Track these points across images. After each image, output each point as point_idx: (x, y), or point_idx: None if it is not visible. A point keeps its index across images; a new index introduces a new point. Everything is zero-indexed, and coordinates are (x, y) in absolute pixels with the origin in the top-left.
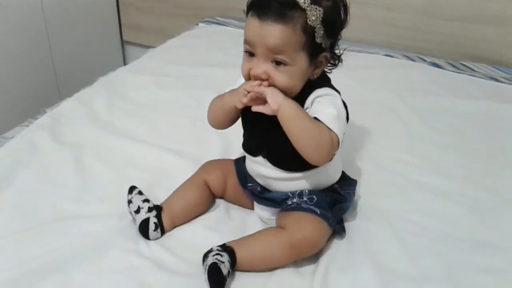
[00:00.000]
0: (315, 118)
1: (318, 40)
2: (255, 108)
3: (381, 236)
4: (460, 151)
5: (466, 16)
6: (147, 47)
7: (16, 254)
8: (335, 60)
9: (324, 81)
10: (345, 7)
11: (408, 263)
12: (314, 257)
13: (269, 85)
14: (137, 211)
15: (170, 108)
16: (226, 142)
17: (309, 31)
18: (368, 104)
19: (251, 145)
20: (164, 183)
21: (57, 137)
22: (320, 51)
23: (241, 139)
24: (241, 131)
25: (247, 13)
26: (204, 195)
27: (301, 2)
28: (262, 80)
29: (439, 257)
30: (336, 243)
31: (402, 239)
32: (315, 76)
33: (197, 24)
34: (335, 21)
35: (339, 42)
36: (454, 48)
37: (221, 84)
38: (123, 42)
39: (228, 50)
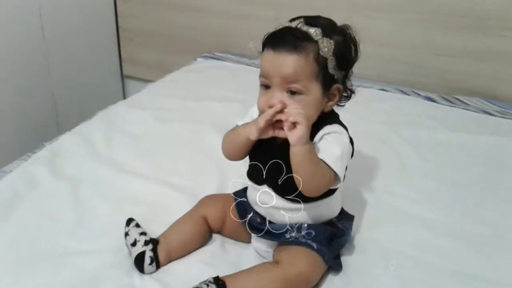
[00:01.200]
0: (321, 157)
1: (330, 71)
2: (273, 134)
3: (376, 270)
4: (455, 184)
5: (459, 52)
6: (147, 81)
7: None
8: (348, 93)
9: (333, 117)
10: (355, 43)
11: None
12: None
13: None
14: (134, 244)
15: (169, 141)
16: (223, 175)
17: (321, 62)
18: (363, 137)
19: (256, 174)
20: (161, 218)
21: (55, 171)
22: (333, 83)
23: (239, 173)
24: (240, 165)
25: (263, 49)
26: (201, 230)
27: (313, 34)
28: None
29: None
30: (331, 278)
31: (397, 273)
32: (329, 108)
33: (196, 59)
34: (346, 54)
35: (351, 77)
36: (448, 82)
37: (219, 118)
38: (123, 77)
39: (226, 84)
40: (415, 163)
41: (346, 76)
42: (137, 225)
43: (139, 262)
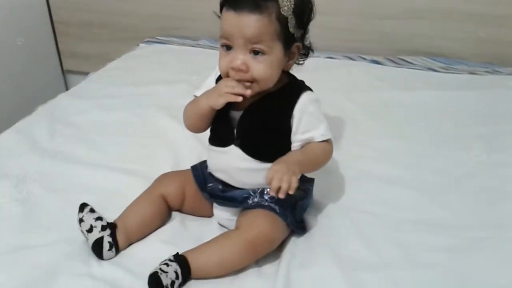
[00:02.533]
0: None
1: (291, 30)
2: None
3: (338, 229)
4: (406, 140)
5: (398, 13)
6: (89, 74)
7: None
8: (306, 50)
9: (299, 82)
10: (310, 1)
11: (367, 252)
12: (274, 256)
13: (249, 79)
14: (90, 230)
15: (115, 129)
16: (175, 155)
17: (282, 21)
18: None
19: (222, 136)
20: (115, 203)
21: None
22: (293, 41)
23: (191, 152)
24: (190, 143)
25: (221, 9)
26: (160, 209)
27: None
28: (242, 71)
29: (396, 242)
30: (295, 240)
31: (359, 230)
32: (289, 67)
33: (138, 45)
34: (304, 13)
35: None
36: (391, 45)
37: (166, 101)
38: (63, 71)
39: (171, 67)
40: (368, 124)
41: (304, 35)
42: (92, 210)
43: (97, 248)
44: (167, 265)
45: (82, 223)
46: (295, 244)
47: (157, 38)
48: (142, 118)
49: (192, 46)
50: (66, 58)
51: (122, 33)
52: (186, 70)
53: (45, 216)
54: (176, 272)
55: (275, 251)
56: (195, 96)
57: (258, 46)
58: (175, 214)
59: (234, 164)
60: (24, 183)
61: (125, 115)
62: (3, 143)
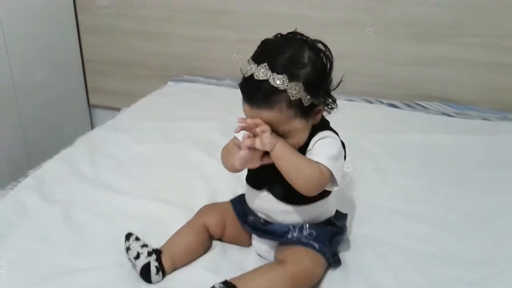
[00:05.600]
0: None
1: (306, 104)
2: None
3: (369, 261)
4: (425, 180)
5: (414, 60)
6: (114, 109)
7: None
8: (332, 104)
9: (324, 124)
10: (328, 56)
11: (397, 283)
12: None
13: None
14: (137, 257)
15: (151, 161)
16: (212, 187)
17: (295, 104)
18: None
19: (255, 180)
20: (156, 231)
21: (45, 197)
22: (313, 108)
23: (226, 185)
24: (225, 176)
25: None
26: (203, 238)
27: (280, 85)
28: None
29: (423, 274)
30: (331, 273)
31: (389, 262)
32: (316, 122)
33: (166, 83)
34: (317, 82)
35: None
36: (408, 91)
37: (198, 136)
38: (90, 106)
39: (199, 104)
40: (388, 164)
41: (326, 93)
42: (137, 239)
43: (145, 273)
44: None
45: (129, 251)
46: (332, 277)
47: (183, 77)
48: (176, 152)
49: (217, 85)
50: (93, 94)
51: (148, 72)
52: (213, 108)
53: (94, 241)
54: None
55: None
56: (234, 137)
57: (276, 131)
58: (216, 242)
59: (268, 206)
60: (70, 209)
61: (160, 148)
62: (49, 171)
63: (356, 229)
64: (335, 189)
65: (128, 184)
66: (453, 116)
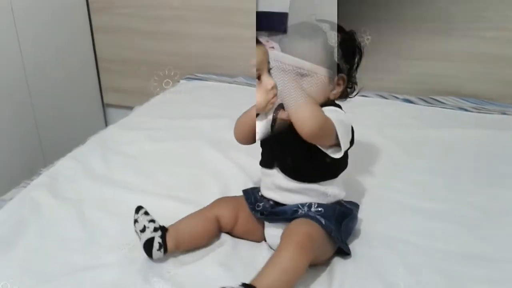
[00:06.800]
0: None
1: (336, 60)
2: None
3: (383, 257)
4: (441, 175)
5: (431, 55)
6: (128, 108)
7: None
8: (352, 84)
9: (335, 104)
10: (359, 44)
11: (413, 281)
12: (325, 282)
13: None
14: (143, 230)
15: (165, 159)
16: (224, 185)
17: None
18: None
19: (267, 159)
20: None
21: (57, 195)
22: (338, 71)
23: (237, 182)
24: (237, 173)
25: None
26: (211, 228)
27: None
28: None
29: (440, 272)
30: (345, 268)
31: (404, 260)
32: (334, 96)
33: (179, 81)
34: (351, 50)
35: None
36: (423, 85)
37: (211, 134)
38: (104, 105)
39: (212, 102)
40: (403, 160)
41: (351, 70)
42: (146, 213)
43: (148, 247)
44: None
45: (136, 224)
46: (345, 271)
47: (196, 75)
48: (188, 149)
49: (230, 83)
50: (107, 92)
51: (160, 70)
52: (226, 106)
53: (106, 238)
54: None
55: (326, 278)
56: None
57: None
58: (226, 237)
59: (279, 185)
60: (83, 207)
61: (173, 146)
62: (61, 169)
63: (371, 225)
64: (337, 156)
65: (141, 182)
66: (470, 111)
